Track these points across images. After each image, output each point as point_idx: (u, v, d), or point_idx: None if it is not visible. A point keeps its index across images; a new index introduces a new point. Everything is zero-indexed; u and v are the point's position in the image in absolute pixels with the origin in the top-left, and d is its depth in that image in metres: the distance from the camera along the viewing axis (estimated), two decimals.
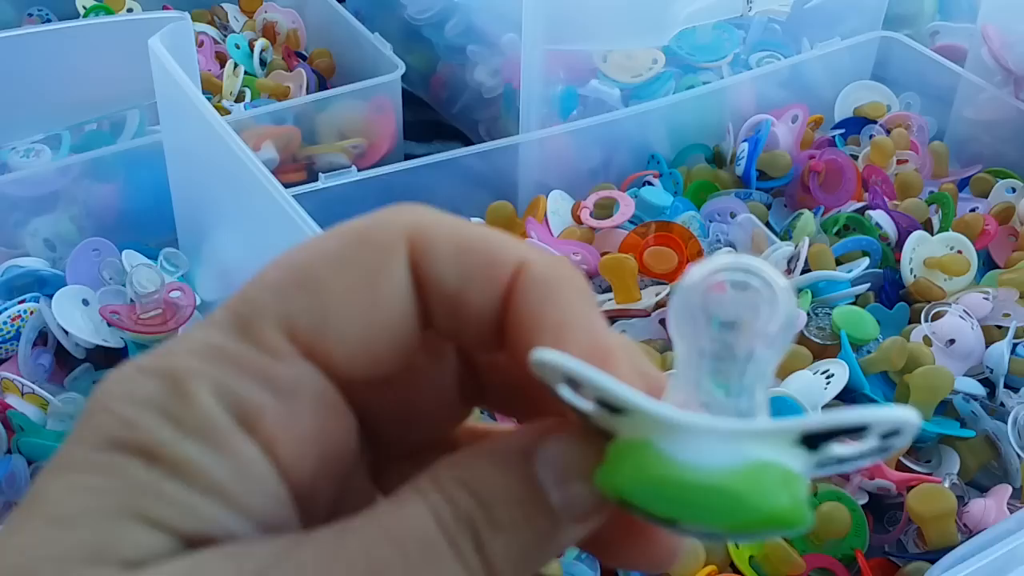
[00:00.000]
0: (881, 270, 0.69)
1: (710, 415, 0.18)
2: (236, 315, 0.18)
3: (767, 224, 0.72)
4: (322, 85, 0.89)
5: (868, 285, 0.67)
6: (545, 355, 0.18)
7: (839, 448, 0.18)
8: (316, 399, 0.18)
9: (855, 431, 0.18)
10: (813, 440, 0.18)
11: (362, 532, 0.17)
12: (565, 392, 0.18)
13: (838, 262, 0.69)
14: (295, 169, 0.80)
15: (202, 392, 0.18)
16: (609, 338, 0.19)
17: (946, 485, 0.53)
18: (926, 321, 0.63)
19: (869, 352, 0.61)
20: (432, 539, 0.17)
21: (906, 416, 0.17)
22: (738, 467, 0.17)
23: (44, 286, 0.65)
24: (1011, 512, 0.52)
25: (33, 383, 0.58)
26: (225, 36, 0.92)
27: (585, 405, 0.18)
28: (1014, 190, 0.76)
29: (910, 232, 0.69)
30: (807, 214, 0.71)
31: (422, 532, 0.17)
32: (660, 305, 0.64)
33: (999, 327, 0.63)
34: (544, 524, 0.18)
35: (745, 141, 0.77)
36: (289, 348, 0.18)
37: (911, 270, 0.68)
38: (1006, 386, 0.60)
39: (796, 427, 0.17)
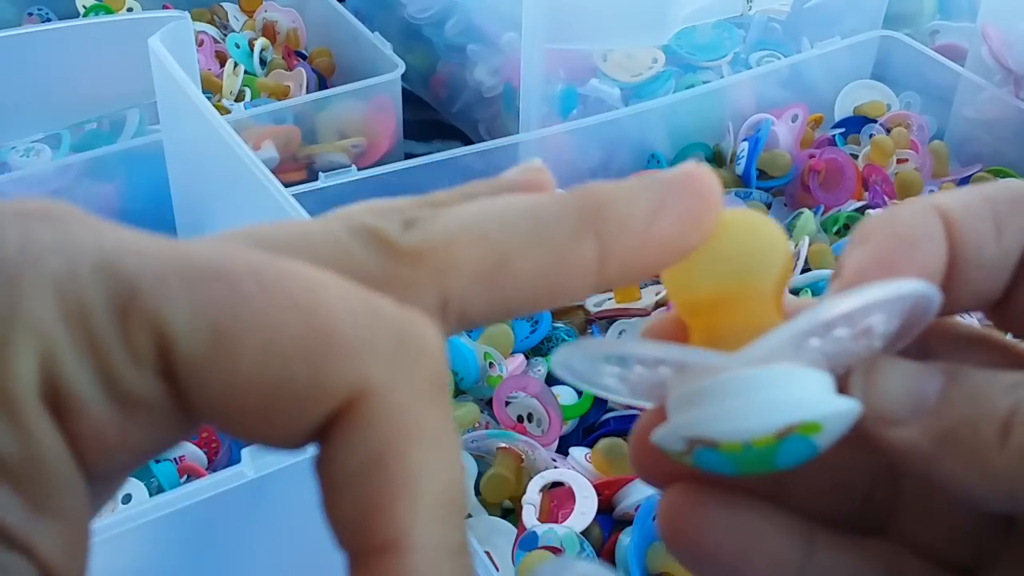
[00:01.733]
0: None
1: None
2: (115, 292, 0.15)
3: None
4: (322, 84, 0.89)
5: None
6: None
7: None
8: (154, 420, 0.15)
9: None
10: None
11: None
12: None
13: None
14: (295, 168, 0.80)
15: (25, 353, 0.14)
16: (458, 485, 0.16)
17: None
18: None
19: None
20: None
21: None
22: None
23: None
24: None
25: None
26: (225, 35, 0.92)
27: None
28: None
29: None
30: (807, 213, 0.71)
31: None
32: (660, 304, 0.64)
33: None
34: None
35: (745, 140, 0.77)
36: (152, 359, 0.15)
37: None
38: None
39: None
